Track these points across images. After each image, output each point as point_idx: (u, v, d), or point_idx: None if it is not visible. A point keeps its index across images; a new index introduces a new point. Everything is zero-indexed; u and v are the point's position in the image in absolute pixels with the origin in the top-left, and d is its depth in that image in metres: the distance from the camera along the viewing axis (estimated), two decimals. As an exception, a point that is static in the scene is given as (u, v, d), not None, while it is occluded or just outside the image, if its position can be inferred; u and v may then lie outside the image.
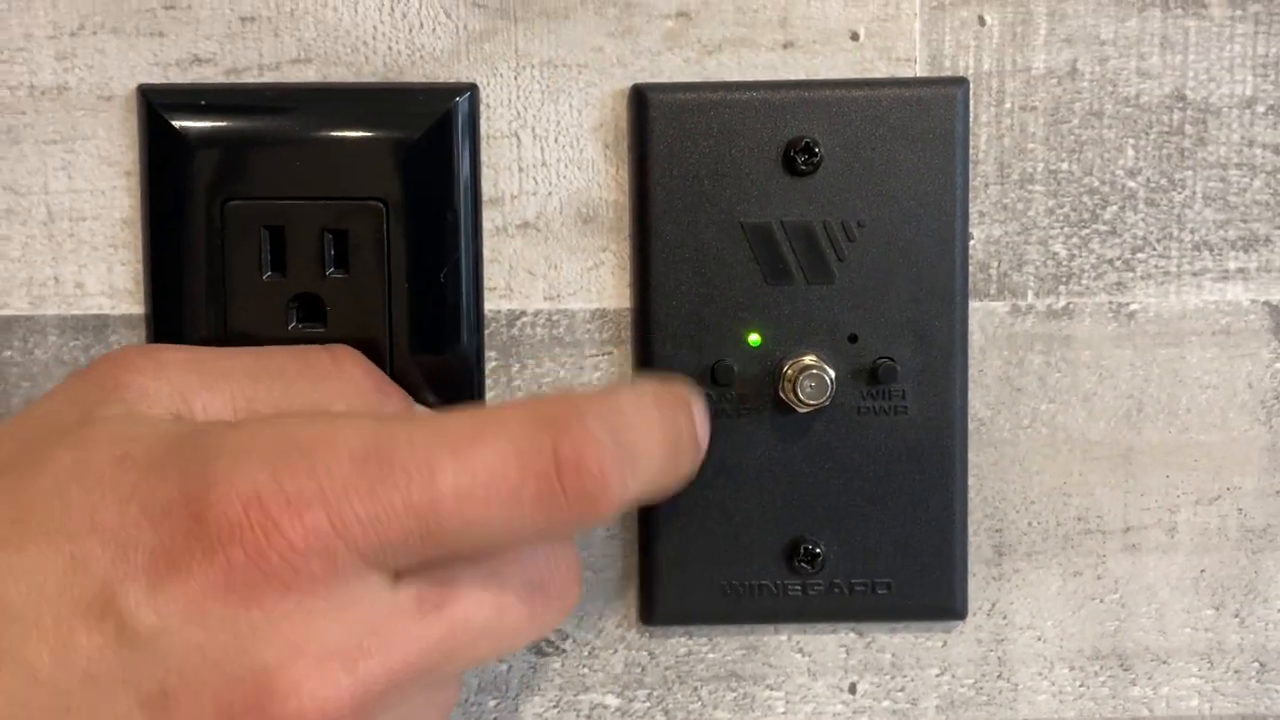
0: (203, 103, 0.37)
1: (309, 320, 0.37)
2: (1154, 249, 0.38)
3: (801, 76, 0.37)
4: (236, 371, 0.32)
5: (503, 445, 0.28)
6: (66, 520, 0.28)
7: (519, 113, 0.38)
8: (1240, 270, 0.38)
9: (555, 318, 0.38)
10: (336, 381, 0.34)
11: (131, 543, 0.27)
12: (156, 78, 0.37)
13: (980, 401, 0.39)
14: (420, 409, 0.35)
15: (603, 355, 0.38)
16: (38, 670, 0.27)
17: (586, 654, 0.39)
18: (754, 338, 0.37)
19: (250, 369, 0.33)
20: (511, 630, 0.30)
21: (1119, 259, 0.38)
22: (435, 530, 0.28)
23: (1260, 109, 0.38)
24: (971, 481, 0.39)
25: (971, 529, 0.39)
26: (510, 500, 0.28)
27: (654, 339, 0.37)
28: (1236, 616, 0.39)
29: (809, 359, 0.37)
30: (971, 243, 0.38)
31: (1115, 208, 0.38)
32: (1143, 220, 0.38)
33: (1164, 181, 0.38)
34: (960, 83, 0.37)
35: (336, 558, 0.27)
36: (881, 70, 0.38)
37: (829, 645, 0.39)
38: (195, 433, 0.29)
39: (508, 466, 0.28)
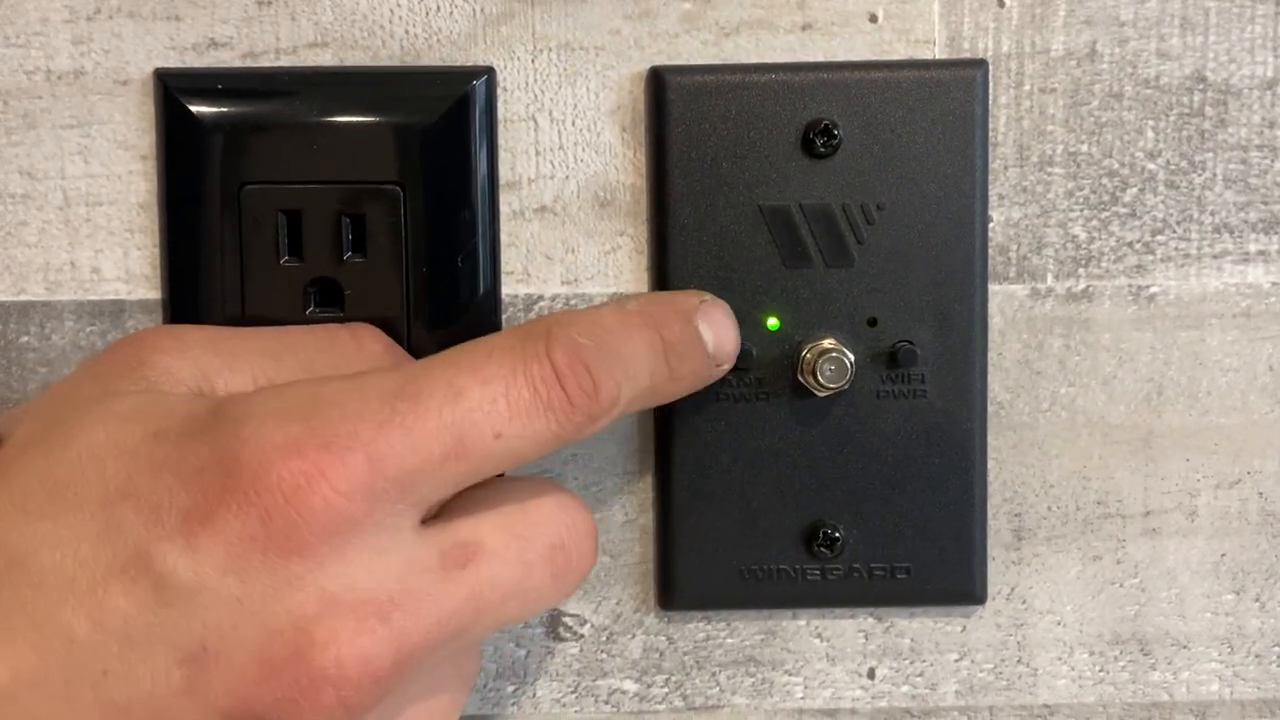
0: (220, 87, 0.37)
1: (326, 305, 0.37)
2: (1174, 231, 0.38)
3: (820, 58, 0.37)
4: (257, 350, 0.33)
5: (508, 361, 0.30)
6: (101, 489, 0.28)
7: (536, 96, 0.37)
8: (1261, 252, 0.38)
9: (573, 302, 0.38)
10: (357, 360, 0.34)
11: (164, 505, 0.28)
12: (173, 62, 0.37)
13: (1000, 385, 0.38)
14: None
15: (620, 340, 0.38)
16: (75, 633, 0.27)
17: (605, 639, 0.39)
18: (772, 321, 0.37)
19: (271, 348, 0.33)
20: (536, 591, 0.31)
21: (1139, 242, 0.38)
22: (466, 448, 0.29)
23: (1281, 90, 0.38)
24: (991, 465, 0.39)
25: (991, 513, 0.39)
26: (529, 408, 0.29)
27: (672, 323, 0.37)
28: (1257, 601, 0.39)
29: (828, 342, 0.37)
30: (991, 225, 0.38)
31: (1135, 190, 0.38)
32: (1163, 203, 0.38)
33: (1184, 164, 0.38)
34: (979, 65, 0.37)
35: (374, 496, 0.28)
36: (900, 52, 0.37)
37: (848, 630, 0.39)
38: (223, 402, 0.29)
39: (517, 378, 0.29)
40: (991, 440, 0.38)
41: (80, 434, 0.29)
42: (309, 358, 0.33)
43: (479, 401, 0.29)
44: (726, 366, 0.35)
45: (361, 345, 0.34)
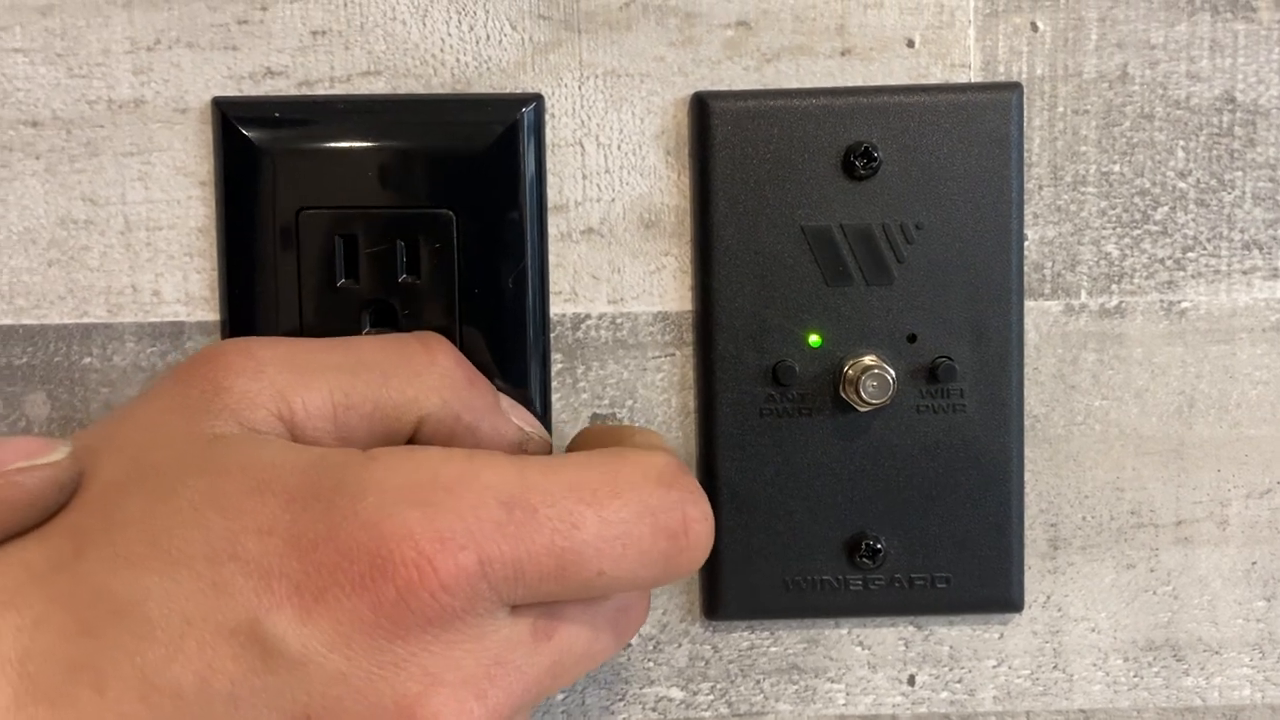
0: (276, 114, 0.38)
1: (382, 325, 0.38)
2: (1204, 248, 0.39)
3: (859, 83, 0.38)
4: (333, 366, 0.33)
5: (637, 503, 0.31)
6: (206, 546, 0.29)
7: (583, 121, 0.39)
8: (1289, 268, 0.39)
9: (619, 321, 0.39)
10: (430, 375, 0.34)
11: (275, 573, 0.28)
12: (230, 90, 0.38)
13: (1035, 399, 0.39)
14: (505, 399, 0.36)
15: (665, 357, 0.39)
16: (183, 690, 0.28)
17: (651, 648, 0.40)
18: (814, 338, 0.38)
19: (346, 363, 0.33)
20: (601, 650, 0.33)
21: (1170, 258, 0.39)
22: (569, 576, 0.30)
23: (1308, 110, 0.39)
24: (1027, 477, 0.40)
25: (1027, 523, 0.40)
26: (644, 554, 0.31)
27: (716, 340, 0.38)
28: (1287, 607, 0.40)
29: (869, 359, 0.38)
30: (1026, 244, 0.39)
31: (1166, 208, 0.39)
32: (1193, 220, 0.39)
33: (1214, 182, 0.39)
34: (1014, 88, 0.38)
35: (478, 595, 0.29)
36: (937, 76, 0.38)
37: (888, 638, 0.40)
38: (334, 466, 0.30)
39: (643, 524, 0.31)
40: (1028, 452, 0.39)
41: (180, 486, 0.29)
42: (383, 372, 0.33)
43: (594, 537, 0.30)
44: None
45: (434, 359, 0.34)
